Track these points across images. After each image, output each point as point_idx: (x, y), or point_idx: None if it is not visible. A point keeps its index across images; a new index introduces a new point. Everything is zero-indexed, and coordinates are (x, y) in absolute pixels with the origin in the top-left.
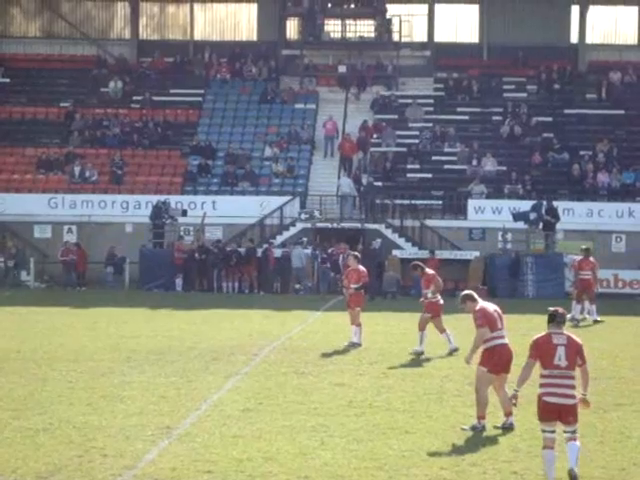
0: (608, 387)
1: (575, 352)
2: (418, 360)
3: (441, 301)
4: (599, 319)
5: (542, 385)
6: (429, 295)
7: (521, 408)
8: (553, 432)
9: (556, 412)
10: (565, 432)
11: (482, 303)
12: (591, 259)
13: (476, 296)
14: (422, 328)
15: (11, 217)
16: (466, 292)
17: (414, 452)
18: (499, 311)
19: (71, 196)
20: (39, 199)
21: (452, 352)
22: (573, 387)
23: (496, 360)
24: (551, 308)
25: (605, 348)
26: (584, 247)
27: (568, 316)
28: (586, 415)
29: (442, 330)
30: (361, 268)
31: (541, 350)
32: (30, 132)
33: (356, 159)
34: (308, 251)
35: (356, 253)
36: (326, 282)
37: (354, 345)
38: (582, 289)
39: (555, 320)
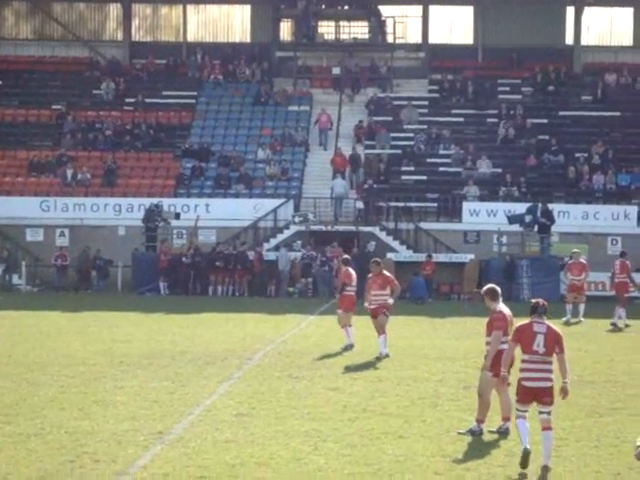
0: (604, 391)
1: (554, 341)
2: (413, 364)
3: (390, 301)
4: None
5: (522, 370)
6: (376, 297)
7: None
8: (526, 411)
9: (533, 394)
10: (541, 412)
11: (502, 305)
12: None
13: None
14: (383, 331)
15: (3, 220)
16: (493, 287)
17: (408, 457)
18: (511, 316)
19: (63, 199)
20: (31, 202)
21: (347, 348)
22: (550, 371)
23: (502, 364)
24: (533, 300)
25: (601, 351)
26: (575, 250)
27: (563, 319)
28: (581, 419)
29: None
30: (343, 270)
31: (522, 336)
32: (22, 135)
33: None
34: (299, 254)
35: (345, 256)
36: (325, 285)
37: (348, 347)
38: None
39: (537, 311)
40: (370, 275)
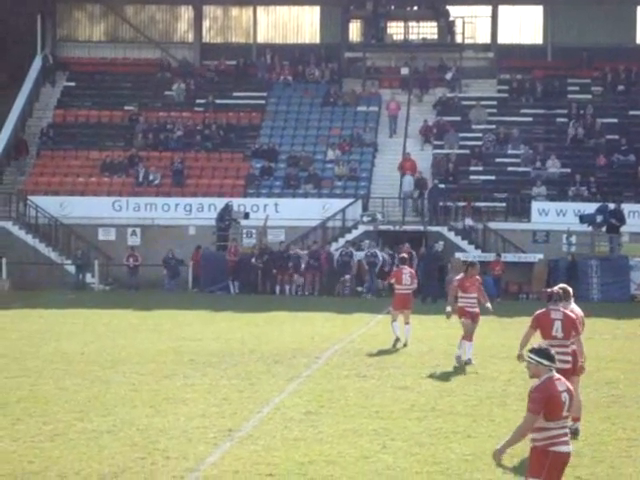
0: None
1: (570, 325)
2: (481, 363)
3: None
4: None
5: None
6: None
7: (586, 412)
8: None
9: None
10: None
11: (574, 305)
12: None
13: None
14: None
15: (76, 220)
16: (565, 286)
17: (476, 456)
18: (583, 316)
19: (135, 199)
20: (103, 202)
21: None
22: (567, 354)
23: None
24: (549, 289)
25: None
26: None
27: None
28: None
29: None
30: (395, 269)
31: (541, 323)
32: (94, 135)
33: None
34: (362, 253)
35: (401, 254)
36: None
37: (395, 342)
38: None
39: (552, 299)
40: (465, 277)
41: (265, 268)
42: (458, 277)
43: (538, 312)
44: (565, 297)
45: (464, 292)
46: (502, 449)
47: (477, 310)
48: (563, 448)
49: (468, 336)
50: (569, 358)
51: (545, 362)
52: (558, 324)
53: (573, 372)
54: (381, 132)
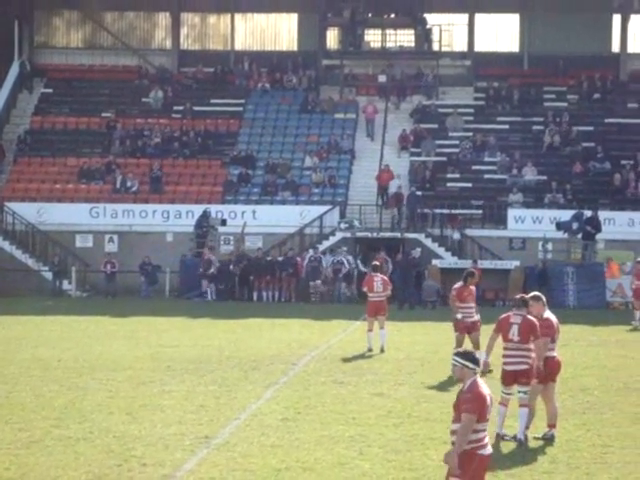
0: None
1: (527, 330)
2: None
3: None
4: None
5: (503, 356)
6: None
7: (562, 419)
8: (510, 394)
9: (512, 376)
10: (519, 392)
11: (549, 313)
12: None
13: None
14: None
15: (53, 226)
16: (539, 294)
17: None
18: (558, 323)
19: (112, 205)
20: (81, 209)
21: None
22: (525, 357)
23: (547, 371)
24: (517, 296)
25: None
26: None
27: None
28: (626, 426)
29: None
30: (367, 276)
31: (501, 327)
32: (72, 142)
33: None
34: (330, 259)
35: (374, 262)
36: None
37: (367, 350)
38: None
39: (516, 304)
40: (463, 286)
41: (242, 275)
42: (456, 286)
43: (501, 316)
44: (536, 303)
45: (462, 302)
46: (456, 466)
47: (475, 318)
48: (488, 451)
49: (459, 346)
50: (525, 360)
51: (470, 365)
52: (515, 328)
53: (548, 378)
54: (358, 139)
